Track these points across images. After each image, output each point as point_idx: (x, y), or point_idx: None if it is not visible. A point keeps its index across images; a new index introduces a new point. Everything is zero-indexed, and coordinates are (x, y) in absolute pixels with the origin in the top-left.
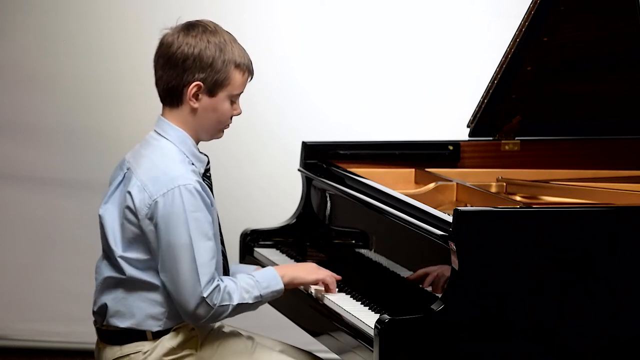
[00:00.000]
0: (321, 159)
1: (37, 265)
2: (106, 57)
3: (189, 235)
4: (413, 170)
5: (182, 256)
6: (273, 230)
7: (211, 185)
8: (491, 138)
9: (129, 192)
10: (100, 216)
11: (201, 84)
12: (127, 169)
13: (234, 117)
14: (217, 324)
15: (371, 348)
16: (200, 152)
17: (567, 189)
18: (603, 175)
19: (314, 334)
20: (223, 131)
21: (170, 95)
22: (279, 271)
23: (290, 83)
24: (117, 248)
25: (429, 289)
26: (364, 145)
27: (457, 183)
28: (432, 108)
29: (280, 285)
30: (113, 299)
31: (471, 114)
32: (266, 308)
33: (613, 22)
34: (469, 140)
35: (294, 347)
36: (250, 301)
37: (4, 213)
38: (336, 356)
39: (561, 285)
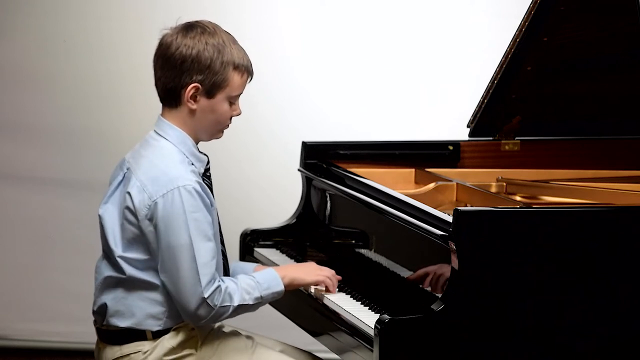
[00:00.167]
0: (321, 159)
1: (37, 265)
2: (106, 57)
3: (189, 235)
4: (413, 170)
5: (183, 257)
6: (273, 230)
7: (211, 185)
8: (491, 138)
9: (129, 193)
10: (100, 216)
11: (199, 85)
12: (127, 169)
13: (233, 118)
14: (217, 324)
15: (371, 348)
16: (200, 152)
17: (567, 189)
18: (603, 175)
19: (314, 334)
20: (222, 131)
21: (169, 95)
22: (279, 272)
23: (290, 83)
24: (117, 248)
25: (429, 289)
26: (364, 145)
27: (457, 183)
28: (432, 108)
29: (280, 287)
30: (113, 299)
31: (471, 114)
32: (266, 308)
33: (613, 22)
34: (469, 140)
35: (294, 347)
36: (251, 302)
37: (4, 213)
38: (336, 356)
39: (561, 285)
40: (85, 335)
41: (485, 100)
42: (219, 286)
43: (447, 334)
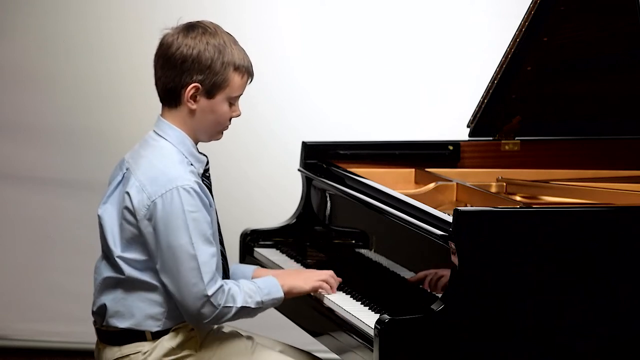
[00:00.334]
0: (321, 159)
1: (37, 265)
2: (106, 57)
3: (189, 235)
4: (413, 170)
5: (183, 257)
6: (273, 230)
7: (210, 185)
8: (491, 138)
9: (128, 193)
10: (99, 216)
11: (199, 85)
12: (126, 169)
13: (233, 118)
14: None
15: (371, 348)
16: (200, 153)
17: (567, 189)
18: (603, 175)
19: (314, 334)
20: (222, 132)
21: (169, 95)
22: (278, 280)
23: (290, 83)
24: (116, 248)
25: (429, 289)
26: (364, 145)
27: (457, 183)
28: (432, 108)
29: (280, 294)
30: (112, 299)
31: (471, 114)
32: None
33: (613, 22)
34: (469, 140)
35: (293, 347)
36: (253, 306)
37: (4, 213)
38: (336, 356)
39: (561, 285)
40: (85, 335)
41: (485, 100)
42: (222, 286)
43: (447, 334)
